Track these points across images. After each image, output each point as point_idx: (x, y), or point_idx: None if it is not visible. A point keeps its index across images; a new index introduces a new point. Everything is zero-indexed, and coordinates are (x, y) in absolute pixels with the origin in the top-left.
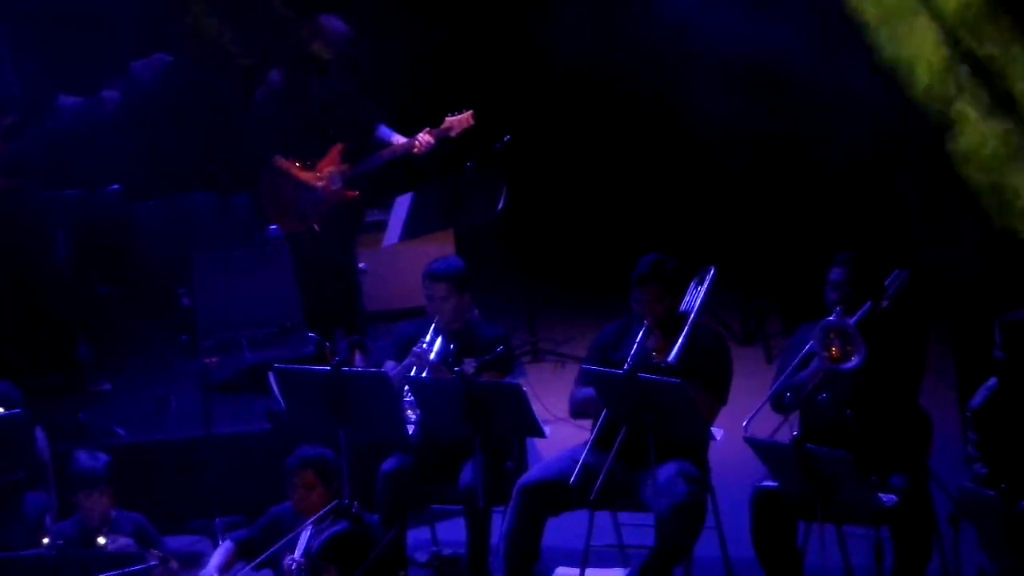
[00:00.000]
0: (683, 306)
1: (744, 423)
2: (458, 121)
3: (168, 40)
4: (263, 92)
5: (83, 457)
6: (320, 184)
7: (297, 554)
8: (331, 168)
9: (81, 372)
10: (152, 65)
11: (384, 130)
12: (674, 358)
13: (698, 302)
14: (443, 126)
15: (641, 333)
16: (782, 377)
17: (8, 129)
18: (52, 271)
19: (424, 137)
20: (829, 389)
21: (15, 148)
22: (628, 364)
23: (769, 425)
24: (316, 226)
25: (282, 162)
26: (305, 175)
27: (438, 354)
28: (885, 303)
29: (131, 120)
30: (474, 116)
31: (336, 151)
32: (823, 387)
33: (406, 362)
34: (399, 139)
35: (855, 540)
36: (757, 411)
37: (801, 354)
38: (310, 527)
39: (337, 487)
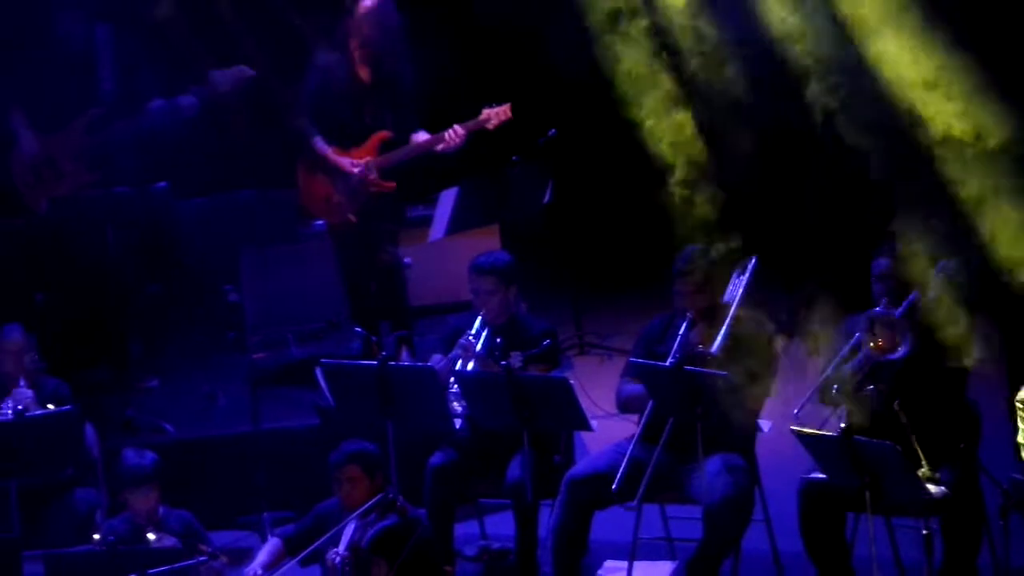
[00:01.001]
0: (726, 297)
1: (795, 411)
2: (495, 113)
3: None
4: (311, 75)
5: (131, 455)
6: (355, 171)
7: (341, 547)
8: (368, 157)
9: (129, 369)
10: (231, 76)
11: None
12: (717, 348)
13: (740, 292)
14: (480, 118)
15: (684, 325)
16: (829, 368)
17: (95, 122)
18: (101, 268)
19: (457, 130)
20: (877, 381)
21: (99, 141)
22: (672, 356)
23: (817, 417)
24: (352, 216)
25: (321, 146)
26: (341, 161)
27: (484, 347)
28: (931, 294)
29: (205, 126)
30: (511, 109)
31: (375, 140)
32: (870, 378)
33: (452, 355)
34: (421, 137)
35: (904, 532)
36: (805, 402)
37: (848, 345)
38: (355, 521)
39: (382, 481)
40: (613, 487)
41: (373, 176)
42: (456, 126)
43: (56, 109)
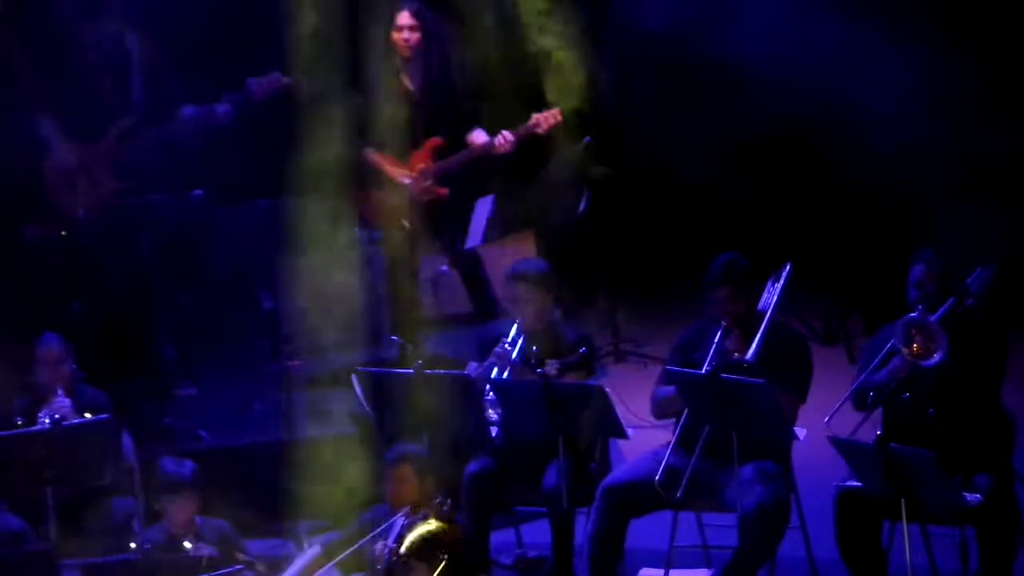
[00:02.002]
0: (760, 304)
1: (827, 419)
2: (545, 118)
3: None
4: (357, 87)
5: (169, 464)
6: (409, 180)
7: (391, 540)
8: (422, 164)
9: (165, 376)
10: (266, 83)
11: (475, 131)
12: (752, 356)
13: (775, 300)
14: (530, 123)
15: (719, 333)
16: (863, 374)
17: (126, 130)
18: (137, 276)
19: (506, 135)
20: (912, 388)
21: (129, 150)
22: (707, 364)
23: (851, 423)
24: (406, 223)
25: (373, 156)
26: (395, 171)
27: (520, 355)
28: (968, 301)
29: (240, 133)
30: (561, 113)
31: (428, 147)
32: (905, 385)
33: (488, 362)
34: (481, 137)
35: (940, 540)
36: (838, 408)
37: (883, 351)
38: (403, 517)
39: (431, 485)
40: (658, 478)
41: (428, 183)
42: (505, 132)
43: (88, 118)
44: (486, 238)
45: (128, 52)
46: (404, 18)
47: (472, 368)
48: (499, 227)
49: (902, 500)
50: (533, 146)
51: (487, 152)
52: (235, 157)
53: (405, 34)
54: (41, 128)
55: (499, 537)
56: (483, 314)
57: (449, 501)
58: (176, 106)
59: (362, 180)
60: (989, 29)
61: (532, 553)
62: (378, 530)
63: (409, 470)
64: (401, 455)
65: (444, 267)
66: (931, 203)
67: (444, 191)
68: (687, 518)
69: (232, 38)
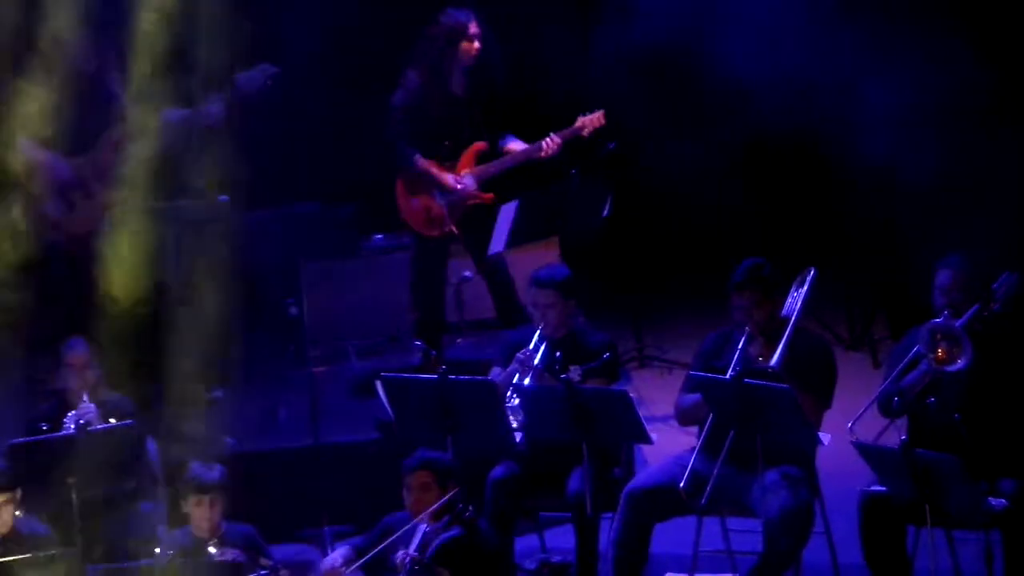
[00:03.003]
0: (785, 310)
1: (849, 424)
2: (590, 120)
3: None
4: (400, 94)
5: (198, 467)
6: (458, 186)
7: (411, 548)
8: (467, 169)
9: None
10: (257, 77)
11: (508, 138)
12: (776, 362)
13: (799, 305)
14: (575, 125)
15: (743, 339)
16: (888, 380)
17: (117, 140)
18: (161, 282)
19: (553, 140)
20: (937, 393)
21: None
22: (732, 370)
23: (875, 428)
24: (453, 228)
25: (423, 163)
26: (444, 177)
27: (543, 360)
28: (994, 306)
29: (233, 131)
30: (605, 115)
31: (473, 151)
32: (931, 391)
33: (510, 369)
34: (518, 145)
35: (965, 545)
36: (862, 413)
37: (908, 357)
38: (425, 525)
39: (453, 490)
40: (683, 484)
41: (473, 189)
42: (552, 134)
43: (78, 132)
44: (509, 244)
45: (109, 61)
46: (475, 27)
47: (495, 374)
48: (523, 233)
49: (927, 505)
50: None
51: (533, 157)
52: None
53: (477, 43)
54: (24, 150)
55: (523, 542)
56: (508, 320)
57: (471, 507)
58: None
59: (409, 185)
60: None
61: (556, 558)
62: (397, 533)
63: (429, 477)
64: (420, 462)
65: (468, 273)
66: (957, 208)
67: (489, 196)
68: (712, 523)
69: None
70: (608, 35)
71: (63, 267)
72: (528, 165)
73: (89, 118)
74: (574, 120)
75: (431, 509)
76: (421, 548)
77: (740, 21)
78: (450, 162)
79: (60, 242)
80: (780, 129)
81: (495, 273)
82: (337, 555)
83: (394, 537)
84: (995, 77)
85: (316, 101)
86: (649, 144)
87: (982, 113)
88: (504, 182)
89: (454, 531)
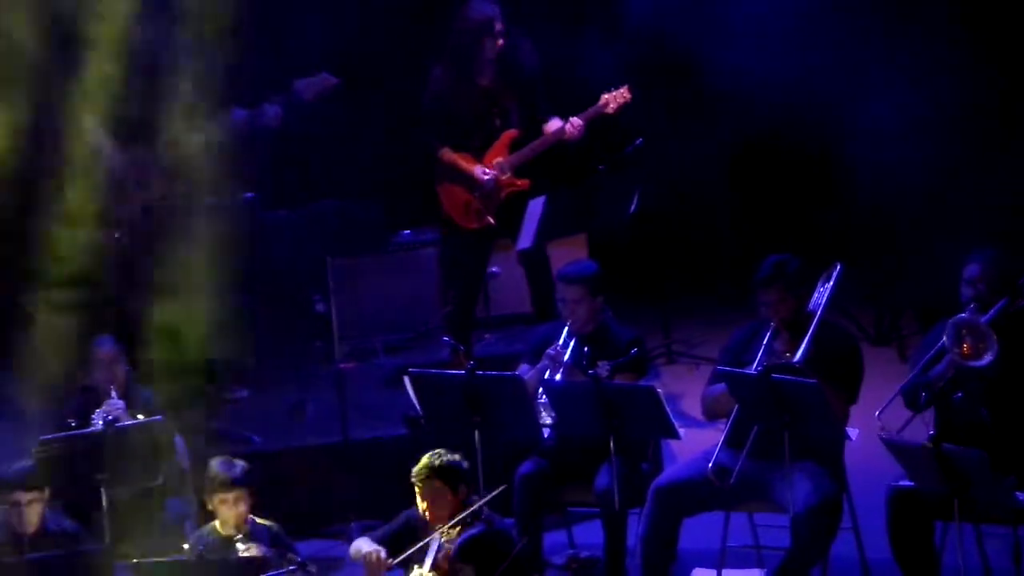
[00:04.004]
0: (811, 305)
1: (877, 413)
2: (614, 97)
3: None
4: (429, 88)
5: (220, 464)
6: (486, 177)
7: (426, 568)
8: (499, 158)
9: (218, 379)
10: (315, 84)
11: (550, 119)
12: (800, 358)
13: (824, 300)
14: (599, 104)
15: (768, 334)
16: (913, 373)
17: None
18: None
19: (574, 122)
20: (964, 388)
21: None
22: (757, 365)
23: (902, 420)
24: (491, 219)
25: (449, 156)
26: (470, 168)
27: (571, 356)
28: (1020, 302)
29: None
30: (630, 90)
31: (505, 139)
32: (957, 385)
33: (540, 365)
34: (556, 124)
35: (993, 540)
36: (886, 407)
37: (933, 350)
38: (437, 541)
39: (466, 493)
40: (710, 464)
41: (507, 176)
42: (573, 118)
43: (140, 122)
44: (537, 240)
45: (179, 53)
46: (500, 24)
47: (524, 370)
48: (551, 229)
49: (955, 500)
50: (584, 147)
51: (559, 139)
52: (287, 159)
53: (501, 40)
54: (93, 132)
55: (551, 538)
56: (543, 314)
57: (485, 507)
58: (228, 109)
59: (445, 179)
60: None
61: (584, 554)
62: (414, 548)
63: (440, 484)
64: (429, 470)
65: (496, 268)
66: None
67: (525, 182)
68: (739, 519)
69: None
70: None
71: (114, 260)
72: (557, 159)
73: (146, 109)
74: (597, 99)
75: (447, 526)
76: (435, 567)
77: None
78: (484, 151)
79: (108, 234)
80: (800, 124)
81: (535, 265)
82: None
83: (410, 552)
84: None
85: (343, 97)
86: (672, 141)
87: (1000, 106)
88: (533, 176)
89: (477, 528)
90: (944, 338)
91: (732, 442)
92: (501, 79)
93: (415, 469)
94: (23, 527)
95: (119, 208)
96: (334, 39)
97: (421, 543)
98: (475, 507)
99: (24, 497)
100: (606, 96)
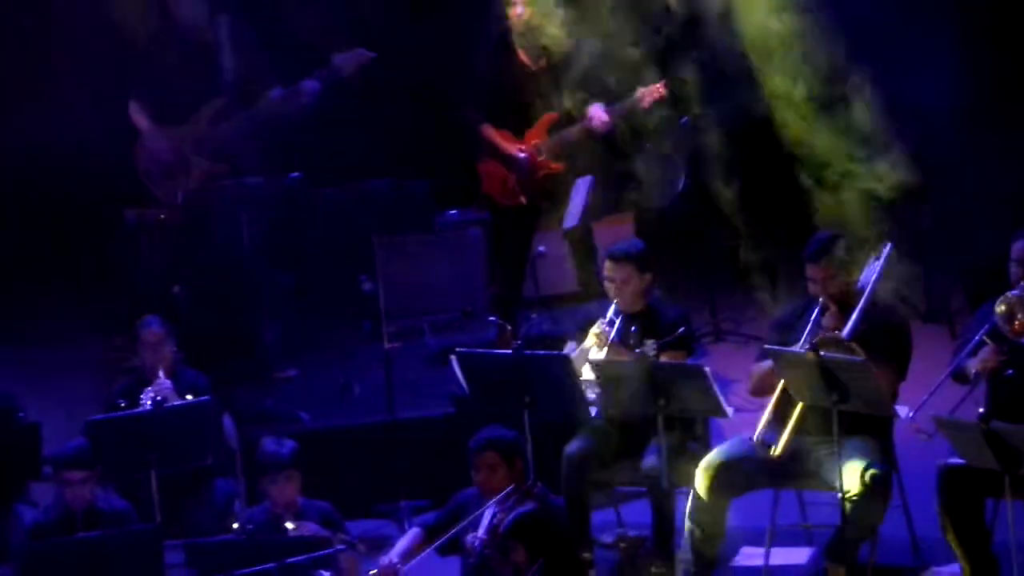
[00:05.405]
0: (860, 282)
1: (928, 394)
2: (649, 92)
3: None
4: (475, 65)
5: (269, 444)
6: (521, 156)
7: (481, 532)
8: (537, 140)
9: (266, 359)
10: (352, 58)
11: (594, 106)
12: (848, 333)
13: (874, 278)
14: (635, 96)
15: (816, 311)
16: (964, 351)
17: (217, 112)
18: (238, 258)
19: (601, 116)
20: (1015, 365)
21: (222, 132)
22: (804, 341)
23: (952, 401)
24: (524, 199)
25: (490, 132)
26: (507, 147)
27: (618, 335)
28: None
29: (327, 111)
30: (666, 86)
31: (544, 122)
32: (1009, 363)
33: (586, 343)
34: (598, 111)
35: None
36: (938, 386)
37: (984, 328)
38: (494, 506)
39: (522, 467)
40: (756, 435)
41: (543, 158)
42: (600, 112)
43: (179, 101)
44: (584, 219)
45: (217, 33)
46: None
47: (571, 348)
48: (598, 208)
49: (1006, 477)
50: (632, 125)
51: (590, 130)
52: (326, 137)
53: (519, 9)
54: (131, 113)
55: (600, 517)
56: (588, 292)
57: (540, 484)
58: (267, 87)
59: (485, 157)
60: None
61: (633, 532)
62: (468, 519)
63: (496, 456)
64: (485, 442)
65: (542, 248)
66: None
67: (559, 166)
68: (788, 497)
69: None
70: None
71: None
72: (604, 139)
73: (195, 89)
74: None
75: (500, 495)
76: (491, 530)
77: None
78: (524, 132)
79: (151, 215)
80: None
81: (580, 243)
82: (394, 553)
83: (466, 522)
84: None
85: (390, 76)
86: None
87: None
88: (579, 155)
89: (528, 506)
90: (994, 316)
91: (777, 419)
92: (545, 60)
93: (471, 442)
94: (75, 505)
95: (162, 189)
96: (386, 15)
97: (473, 515)
98: (504, 492)
99: (76, 475)
100: (641, 90)
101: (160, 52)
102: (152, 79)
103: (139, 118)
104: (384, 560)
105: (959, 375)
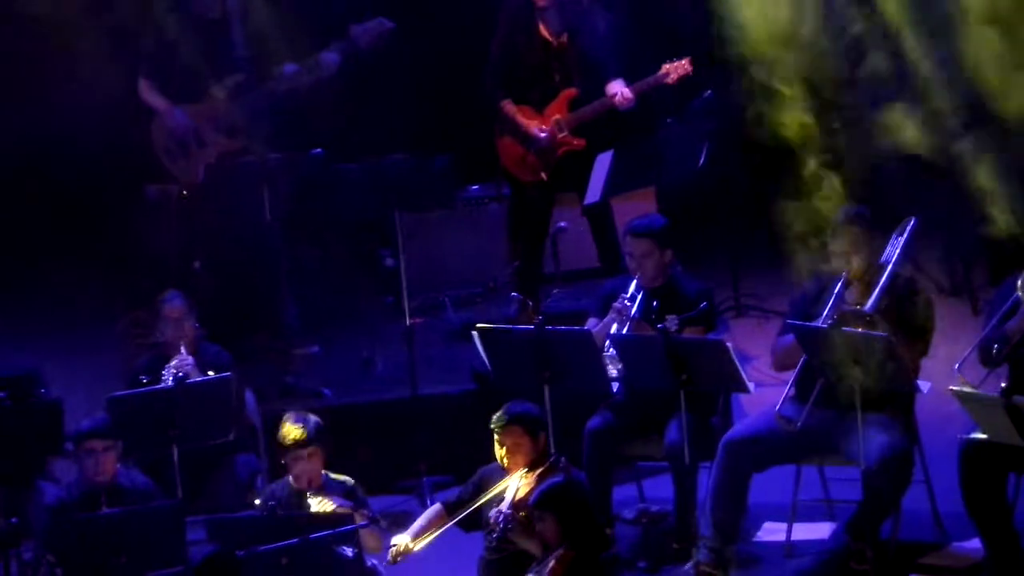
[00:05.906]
0: (883, 257)
1: (956, 366)
2: (675, 68)
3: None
4: (496, 40)
5: (294, 419)
6: (543, 133)
7: (505, 506)
8: (557, 115)
9: (288, 335)
10: (371, 29)
11: (613, 81)
12: (871, 306)
13: (897, 252)
14: (660, 73)
15: (839, 285)
16: (988, 327)
17: (233, 88)
18: (259, 235)
19: (625, 92)
20: None
21: (236, 108)
22: (826, 316)
23: (976, 377)
24: (544, 175)
25: (509, 108)
26: (530, 122)
27: (639, 310)
28: None
29: (346, 84)
30: (692, 63)
31: (564, 98)
32: None
33: (607, 319)
34: (618, 87)
35: None
36: (962, 362)
37: (1008, 304)
38: (518, 481)
39: (545, 441)
40: (778, 408)
41: (563, 134)
42: (624, 88)
43: (193, 79)
44: (605, 194)
45: (228, 11)
46: None
47: (592, 324)
48: (619, 183)
49: None
50: (653, 100)
51: (612, 106)
52: (342, 111)
53: None
54: (142, 91)
55: (621, 492)
56: (609, 268)
57: (563, 458)
58: (280, 63)
59: (504, 132)
60: None
61: (655, 508)
62: (492, 492)
63: (520, 430)
64: (510, 416)
65: (563, 223)
66: None
67: (581, 142)
68: (810, 472)
69: None
70: None
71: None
72: (624, 114)
73: (208, 65)
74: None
75: (524, 470)
76: (515, 505)
77: None
78: (544, 108)
79: (172, 191)
80: None
81: (599, 218)
82: (415, 529)
83: (487, 498)
84: None
85: (411, 51)
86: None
87: None
88: (601, 130)
89: (557, 478)
90: (1018, 291)
91: (799, 394)
92: (566, 36)
93: (495, 417)
94: (99, 476)
95: (178, 167)
96: None
97: (494, 489)
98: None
99: (99, 444)
100: (667, 66)
101: (174, 30)
102: (167, 58)
103: (153, 97)
104: (400, 537)
105: (985, 355)
